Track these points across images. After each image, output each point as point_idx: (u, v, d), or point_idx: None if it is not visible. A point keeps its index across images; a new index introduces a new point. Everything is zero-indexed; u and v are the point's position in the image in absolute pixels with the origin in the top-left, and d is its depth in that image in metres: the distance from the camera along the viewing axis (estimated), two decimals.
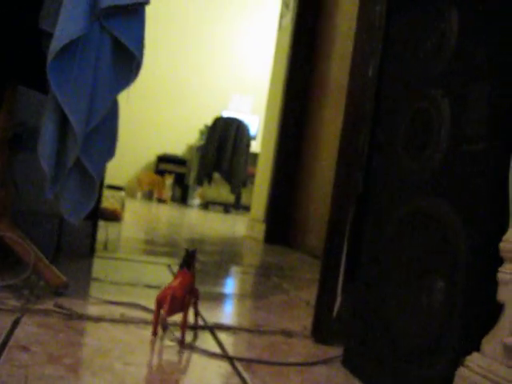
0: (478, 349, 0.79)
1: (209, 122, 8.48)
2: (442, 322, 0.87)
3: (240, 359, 1.06)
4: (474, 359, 0.78)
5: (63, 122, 1.30)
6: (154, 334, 1.14)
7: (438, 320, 0.88)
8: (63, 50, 1.23)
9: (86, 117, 1.28)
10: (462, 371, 0.79)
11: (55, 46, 1.20)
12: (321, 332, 1.26)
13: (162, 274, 1.88)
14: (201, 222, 4.95)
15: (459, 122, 0.90)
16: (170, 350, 1.06)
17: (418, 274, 0.95)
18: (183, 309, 1.13)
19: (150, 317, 1.27)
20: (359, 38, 1.28)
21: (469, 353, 0.79)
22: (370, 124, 1.21)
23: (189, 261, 1.19)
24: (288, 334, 1.32)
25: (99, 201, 2.03)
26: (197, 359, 1.03)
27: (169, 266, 2.06)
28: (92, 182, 1.36)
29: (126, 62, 1.34)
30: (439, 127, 0.94)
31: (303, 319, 1.49)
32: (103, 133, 1.36)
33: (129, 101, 7.92)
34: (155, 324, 1.14)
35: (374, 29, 1.22)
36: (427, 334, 0.90)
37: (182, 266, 1.19)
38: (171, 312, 1.11)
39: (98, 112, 1.31)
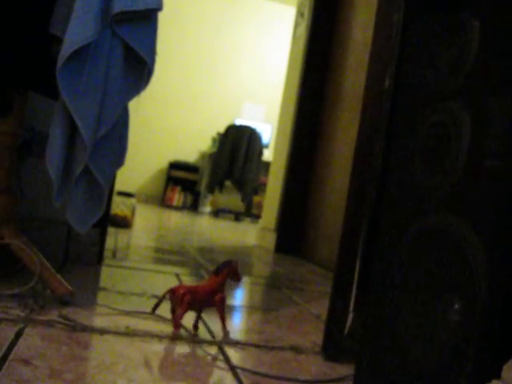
0: (498, 376, 0.75)
1: (221, 129, 8.49)
2: (457, 344, 0.83)
3: (246, 370, 1.03)
4: None
5: (72, 129, 1.28)
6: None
7: (453, 342, 0.84)
8: (73, 56, 1.21)
9: (96, 124, 1.26)
10: None
11: (65, 51, 1.18)
12: (331, 349, 1.23)
13: (171, 284, 1.84)
14: (211, 229, 4.93)
15: (479, 136, 0.86)
16: (174, 367, 1.03)
17: (432, 293, 0.91)
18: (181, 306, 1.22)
19: (155, 329, 1.24)
20: (376, 49, 1.25)
21: (488, 379, 0.75)
22: (385, 137, 1.18)
23: (218, 269, 1.31)
24: (297, 350, 1.28)
25: (108, 208, 2.01)
26: (203, 377, 1.00)
27: (177, 275, 2.03)
28: (100, 190, 1.34)
29: (138, 68, 1.31)
30: (458, 142, 0.90)
31: (313, 334, 1.45)
32: (113, 140, 1.34)
33: (139, 109, 7.94)
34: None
35: (392, 39, 1.19)
36: (441, 356, 0.86)
37: (213, 272, 1.32)
38: (173, 304, 1.24)
39: (107, 119, 1.28)
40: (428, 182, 0.96)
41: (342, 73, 3.45)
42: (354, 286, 1.19)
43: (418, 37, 1.08)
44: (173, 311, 1.25)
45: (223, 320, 1.31)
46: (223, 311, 1.30)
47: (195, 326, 1.30)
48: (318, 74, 3.72)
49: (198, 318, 1.29)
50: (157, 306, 1.29)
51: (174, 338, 1.20)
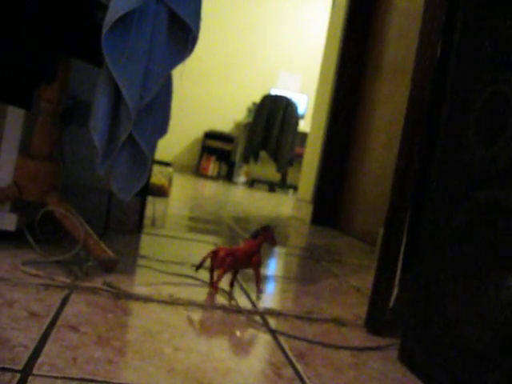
0: None
1: (257, 99, 8.44)
2: (510, 324, 0.81)
3: (290, 337, 1.03)
4: None
5: (116, 96, 1.27)
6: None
7: (507, 318, 0.82)
8: (118, 23, 1.20)
9: (140, 91, 1.25)
10: None
11: (110, 18, 1.17)
12: (375, 323, 1.21)
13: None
14: (246, 200, 4.93)
15: None
16: (219, 335, 1.03)
17: (486, 268, 0.88)
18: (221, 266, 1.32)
19: (198, 298, 1.24)
20: (428, 16, 1.20)
21: None
22: (436, 107, 1.14)
23: (255, 233, 1.39)
24: (340, 322, 1.27)
25: (149, 177, 2.01)
26: (248, 347, 1.00)
27: (215, 244, 2.03)
28: (144, 158, 1.33)
29: (182, 35, 1.30)
30: None
31: (355, 307, 1.44)
32: (157, 108, 1.33)
33: (182, 77, 7.93)
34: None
35: (444, 5, 1.14)
36: (494, 332, 0.84)
37: (250, 236, 1.40)
38: (214, 265, 1.34)
39: (152, 86, 1.27)
40: (484, 154, 0.93)
41: (383, 43, 3.37)
42: (400, 260, 1.17)
43: (473, 3, 1.03)
44: (211, 270, 1.35)
45: (258, 280, 1.39)
46: (259, 272, 1.38)
47: (231, 284, 1.40)
48: (358, 43, 3.65)
49: (234, 277, 1.39)
50: (200, 265, 1.34)
51: (214, 304, 1.21)
